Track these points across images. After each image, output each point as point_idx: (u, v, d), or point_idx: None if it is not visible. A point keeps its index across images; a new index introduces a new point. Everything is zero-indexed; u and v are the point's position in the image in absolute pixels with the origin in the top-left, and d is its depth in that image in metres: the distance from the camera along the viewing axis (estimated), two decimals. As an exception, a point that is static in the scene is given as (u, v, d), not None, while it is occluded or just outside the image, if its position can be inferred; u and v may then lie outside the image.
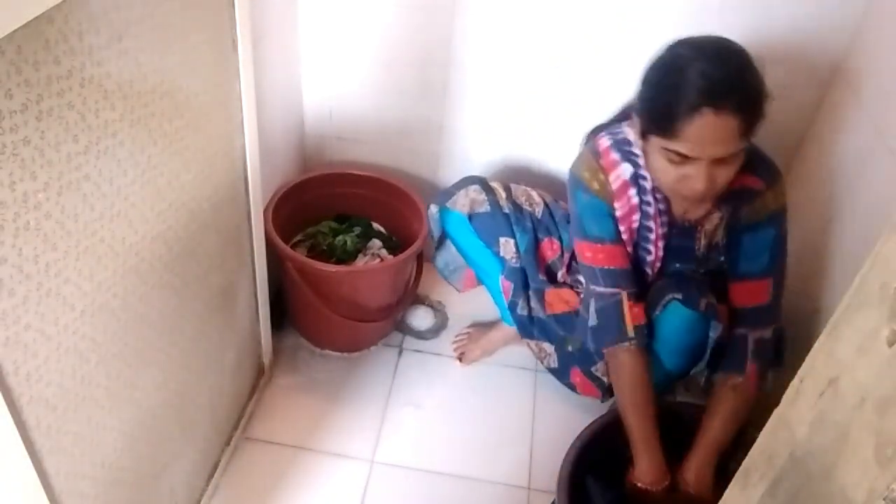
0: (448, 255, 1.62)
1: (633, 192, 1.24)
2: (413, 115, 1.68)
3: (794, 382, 0.63)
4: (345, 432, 1.51)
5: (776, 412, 0.65)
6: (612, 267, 1.28)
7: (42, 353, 0.75)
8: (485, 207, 1.47)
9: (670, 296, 1.24)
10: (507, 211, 1.47)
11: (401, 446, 1.50)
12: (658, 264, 1.30)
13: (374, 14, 1.56)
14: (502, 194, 1.49)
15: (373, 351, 1.69)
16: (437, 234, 1.56)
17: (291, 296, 1.61)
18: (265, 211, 1.43)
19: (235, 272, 1.28)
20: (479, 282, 1.63)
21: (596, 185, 1.26)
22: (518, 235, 1.47)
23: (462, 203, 1.47)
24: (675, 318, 1.25)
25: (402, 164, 1.77)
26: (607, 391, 1.45)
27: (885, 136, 1.23)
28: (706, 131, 1.05)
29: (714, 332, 1.24)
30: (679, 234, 1.28)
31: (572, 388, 1.52)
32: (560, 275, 1.50)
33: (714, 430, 1.22)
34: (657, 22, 1.45)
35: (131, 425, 0.98)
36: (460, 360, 1.69)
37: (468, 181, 1.50)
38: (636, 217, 1.26)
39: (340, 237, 1.69)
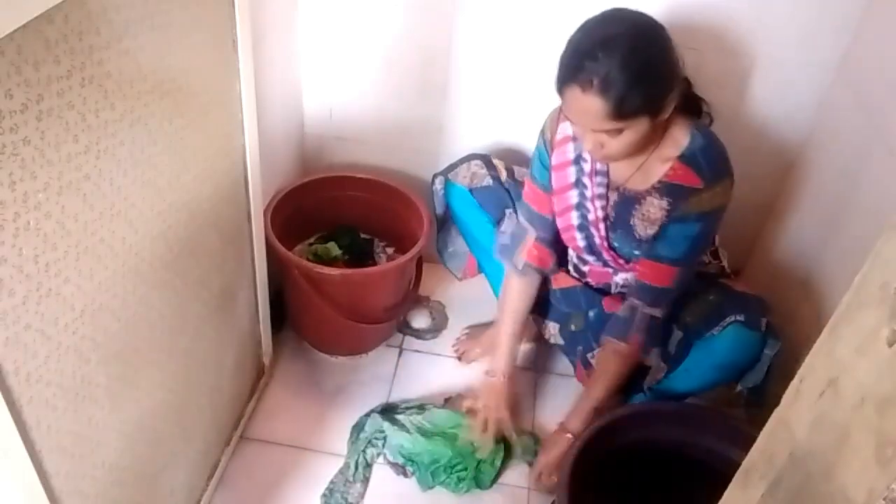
0: (449, 238, 1.63)
1: (571, 146, 1.30)
2: (413, 115, 1.68)
3: (794, 382, 0.63)
4: (345, 432, 1.50)
5: (776, 412, 0.65)
6: (533, 208, 1.39)
7: (42, 353, 0.75)
8: (486, 181, 1.49)
9: (732, 317, 1.25)
10: (507, 187, 1.50)
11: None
12: (601, 225, 1.32)
13: (374, 14, 1.56)
14: (503, 172, 1.51)
15: (373, 351, 1.69)
16: (440, 210, 1.57)
17: (294, 299, 1.60)
18: (265, 213, 1.43)
19: (235, 272, 1.28)
20: (480, 270, 1.64)
21: (548, 135, 1.32)
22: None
23: (463, 176, 1.50)
24: (735, 338, 1.26)
25: (402, 164, 1.77)
26: None
27: (885, 136, 1.23)
28: (574, 105, 1.11)
29: (771, 350, 1.26)
30: (621, 202, 1.29)
31: (576, 366, 1.54)
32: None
33: (596, 390, 1.37)
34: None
35: (131, 425, 0.98)
36: (460, 359, 1.69)
37: (471, 157, 1.53)
38: (571, 170, 1.31)
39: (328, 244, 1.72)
